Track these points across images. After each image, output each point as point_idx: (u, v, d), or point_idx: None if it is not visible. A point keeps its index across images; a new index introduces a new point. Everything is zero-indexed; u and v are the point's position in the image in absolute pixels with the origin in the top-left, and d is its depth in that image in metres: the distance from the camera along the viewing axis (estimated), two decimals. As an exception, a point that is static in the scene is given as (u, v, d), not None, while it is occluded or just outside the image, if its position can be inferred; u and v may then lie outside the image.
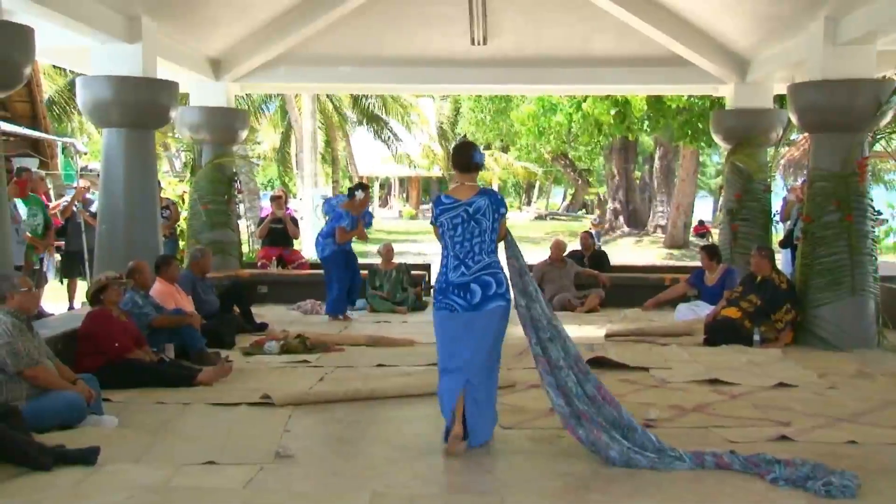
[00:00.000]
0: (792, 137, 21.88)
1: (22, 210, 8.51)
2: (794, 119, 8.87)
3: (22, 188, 9.46)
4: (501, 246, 5.03)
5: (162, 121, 9.18)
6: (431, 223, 5.11)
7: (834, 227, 8.25)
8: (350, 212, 9.99)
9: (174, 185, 14.84)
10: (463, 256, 4.88)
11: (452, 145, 38.97)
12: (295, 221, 13.13)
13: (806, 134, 10.55)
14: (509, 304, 4.88)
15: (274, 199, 13.05)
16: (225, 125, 11.42)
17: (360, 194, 10.14)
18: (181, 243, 11.87)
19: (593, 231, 16.36)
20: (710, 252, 9.85)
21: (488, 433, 4.96)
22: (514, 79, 11.75)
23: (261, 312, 9.94)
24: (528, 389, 6.32)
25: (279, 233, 12.36)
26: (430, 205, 5.90)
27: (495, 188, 42.31)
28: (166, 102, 8.88)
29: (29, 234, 8.54)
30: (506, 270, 4.94)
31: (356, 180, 37.06)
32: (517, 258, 4.98)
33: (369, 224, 8.91)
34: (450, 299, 4.89)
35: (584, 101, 18.50)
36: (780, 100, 12.15)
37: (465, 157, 5.03)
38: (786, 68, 9.81)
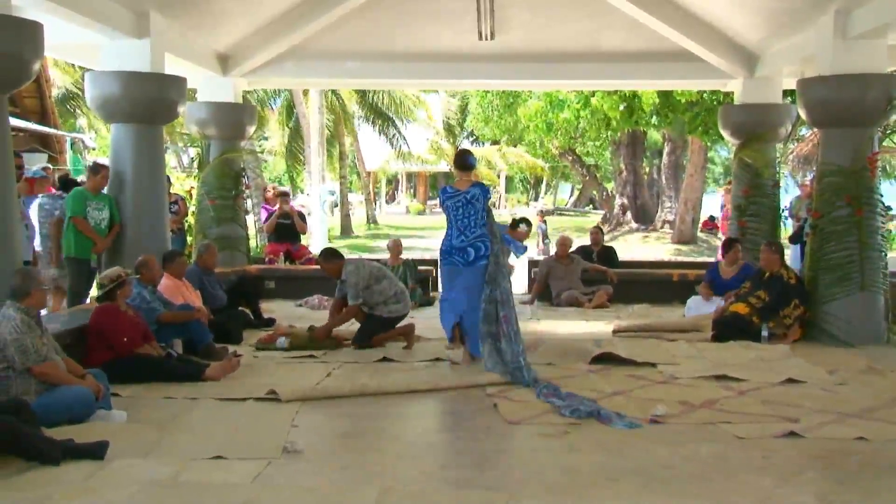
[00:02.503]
0: (801, 133, 21.81)
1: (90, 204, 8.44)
2: (803, 114, 8.83)
3: (31, 186, 9.49)
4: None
5: (170, 116, 9.21)
6: (440, 205, 7.39)
7: (844, 223, 8.22)
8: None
9: (182, 181, 14.87)
10: (463, 228, 7.15)
11: (459, 142, 39.38)
12: (302, 217, 13.16)
13: (815, 129, 10.50)
14: (488, 260, 7.03)
15: (281, 195, 13.10)
16: (233, 120, 11.44)
17: (523, 227, 10.72)
18: (189, 239, 11.90)
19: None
20: (730, 244, 9.78)
21: (478, 350, 6.99)
22: (522, 74, 11.73)
23: (268, 308, 9.95)
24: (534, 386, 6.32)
25: (287, 228, 12.39)
26: (439, 193, 7.65)
27: (503, 183, 42.47)
28: (174, 98, 8.90)
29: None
30: (487, 238, 7.07)
31: (363, 175, 37.17)
32: (494, 226, 7.19)
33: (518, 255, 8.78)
34: (453, 258, 7.18)
35: (593, 95, 18.45)
36: (789, 95, 12.11)
37: (463, 160, 7.34)
38: (795, 63, 9.77)
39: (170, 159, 32.08)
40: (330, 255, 8.26)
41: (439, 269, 7.32)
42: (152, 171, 8.86)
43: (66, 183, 10.02)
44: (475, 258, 7.07)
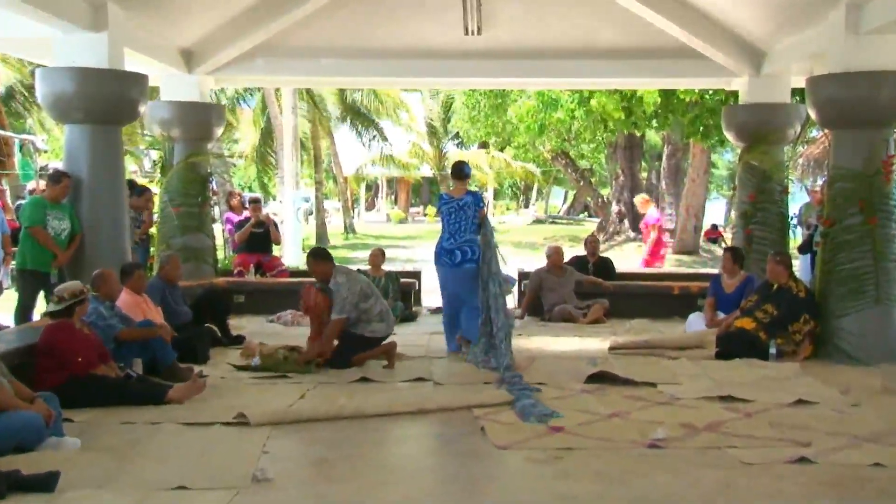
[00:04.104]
0: (811, 134, 21.95)
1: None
2: (812, 114, 8.88)
3: None
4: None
5: (130, 116, 9.16)
6: (437, 211, 8.56)
7: (856, 231, 8.25)
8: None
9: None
10: (453, 232, 8.50)
11: (443, 144, 39.44)
12: (275, 225, 13.12)
13: (826, 130, 10.56)
14: (477, 265, 8.31)
15: (253, 202, 13.05)
16: (198, 121, 11.40)
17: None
18: (152, 249, 11.83)
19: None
20: (736, 255, 9.80)
21: (474, 335, 8.27)
22: (512, 72, 11.74)
23: (237, 324, 9.89)
24: (526, 407, 6.31)
25: (259, 238, 12.33)
26: (437, 199, 9.18)
27: (490, 190, 42.64)
28: (135, 96, 8.86)
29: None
30: (479, 244, 8.35)
31: (340, 181, 37.17)
32: (488, 235, 8.38)
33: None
34: (443, 259, 8.53)
35: (591, 96, 18.50)
36: (797, 94, 12.18)
37: (459, 170, 8.83)
38: (804, 60, 9.81)
39: (130, 164, 32.00)
40: (322, 255, 8.29)
41: (436, 270, 8.70)
42: (110, 175, 8.79)
43: None
44: (462, 260, 8.41)
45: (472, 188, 8.83)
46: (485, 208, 8.71)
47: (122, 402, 6.29)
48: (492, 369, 7.68)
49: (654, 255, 13.26)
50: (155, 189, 11.88)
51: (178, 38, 10.80)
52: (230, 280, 11.68)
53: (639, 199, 15.43)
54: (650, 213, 13.67)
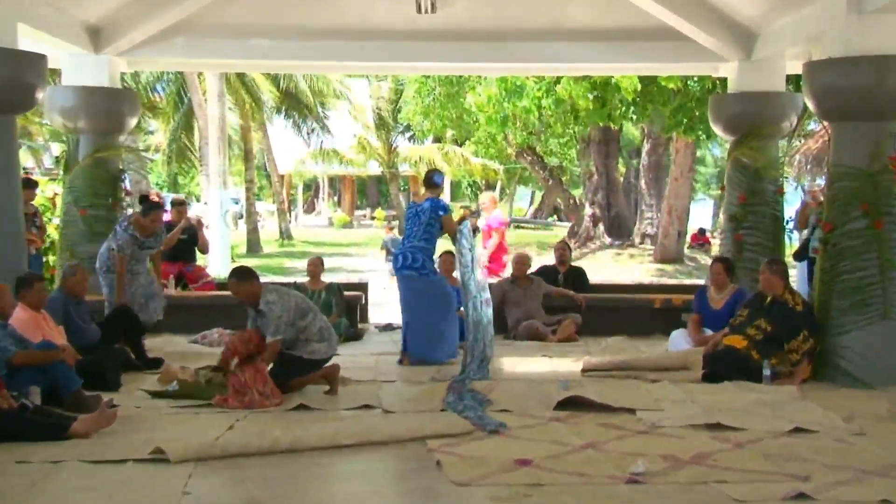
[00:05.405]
0: (808, 127, 22.28)
1: None
2: (810, 104, 8.99)
3: None
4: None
5: (25, 104, 9.06)
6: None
7: (860, 237, 8.34)
8: None
9: (43, 185, 14.60)
10: (407, 236, 9.45)
11: (393, 137, 39.45)
12: (203, 230, 13.03)
13: (825, 123, 10.72)
14: (419, 275, 9.20)
15: (177, 204, 12.91)
16: (108, 110, 11.28)
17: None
18: (52, 258, 11.69)
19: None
20: (728, 266, 9.88)
21: (428, 355, 9.21)
22: (470, 55, 11.78)
23: (155, 345, 9.79)
24: (488, 437, 6.32)
25: (182, 245, 12.16)
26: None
27: (447, 190, 42.78)
28: (31, 80, 8.77)
29: None
30: (426, 253, 9.26)
31: (274, 179, 37.04)
32: (461, 252, 8.80)
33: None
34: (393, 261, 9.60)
35: (558, 82, 18.59)
36: (793, 81, 12.34)
37: (427, 178, 9.72)
38: (801, 43, 9.92)
39: (26, 159, 31.59)
40: (245, 275, 8.09)
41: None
42: (3, 172, 8.68)
43: None
44: (402, 266, 9.27)
45: (441, 201, 9.50)
46: (471, 219, 9.94)
47: (16, 437, 6.17)
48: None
49: (497, 261, 13.32)
50: (57, 189, 11.74)
51: (83, 13, 10.67)
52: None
53: (486, 196, 15.53)
54: (495, 214, 13.74)
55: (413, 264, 9.18)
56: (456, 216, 9.90)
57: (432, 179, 9.60)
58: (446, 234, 9.26)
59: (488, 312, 8.80)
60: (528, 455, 5.84)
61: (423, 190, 9.82)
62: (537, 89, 19.46)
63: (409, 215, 9.52)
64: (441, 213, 9.24)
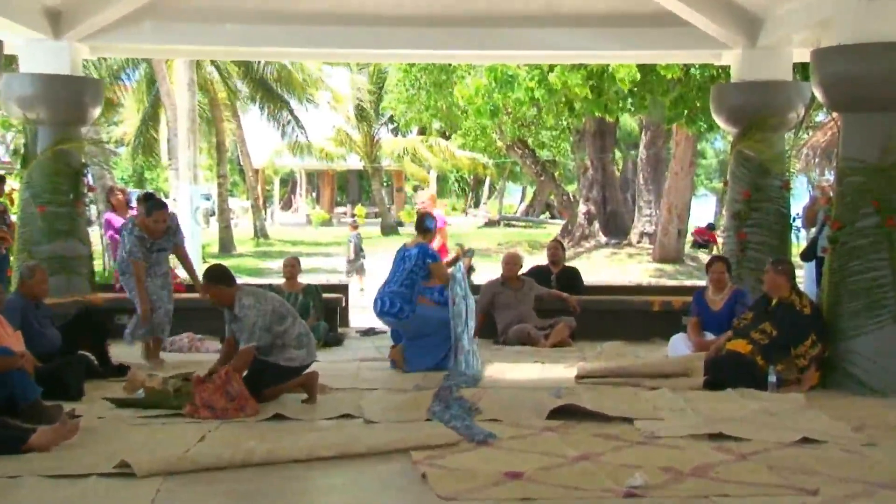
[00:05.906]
0: (816, 119, 22.32)
1: None
2: (818, 94, 9.01)
3: None
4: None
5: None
6: None
7: (871, 235, 8.36)
8: None
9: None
10: (389, 280, 9.52)
11: (375, 129, 39.45)
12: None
13: (834, 114, 10.76)
14: (399, 320, 9.35)
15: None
16: (69, 99, 11.26)
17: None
18: (11, 258, 11.64)
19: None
20: (728, 266, 9.93)
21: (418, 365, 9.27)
22: (458, 43, 11.79)
23: (120, 352, 9.75)
24: (476, 448, 6.31)
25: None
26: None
27: (433, 183, 42.78)
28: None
29: None
30: (404, 298, 9.29)
31: (249, 174, 36.98)
32: (454, 301, 9.16)
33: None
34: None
35: (551, 71, 18.58)
36: (801, 70, 12.37)
37: (418, 223, 9.85)
38: (808, 29, 9.95)
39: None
40: (219, 277, 8.05)
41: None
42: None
43: None
44: (381, 311, 9.44)
45: (428, 249, 9.59)
46: (465, 258, 10.40)
47: (-28, 449, 6.14)
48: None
49: None
50: (14, 184, 11.70)
51: (42, -6, 10.64)
52: (110, 297, 11.50)
53: (424, 195, 15.61)
54: (436, 213, 13.77)
55: (391, 310, 9.32)
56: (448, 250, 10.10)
57: (424, 224, 9.68)
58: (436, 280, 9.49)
59: (480, 369, 9.16)
60: (518, 467, 5.82)
61: (407, 188, 9.82)
62: (530, 79, 19.44)
63: (396, 258, 9.52)
64: (429, 261, 9.33)
